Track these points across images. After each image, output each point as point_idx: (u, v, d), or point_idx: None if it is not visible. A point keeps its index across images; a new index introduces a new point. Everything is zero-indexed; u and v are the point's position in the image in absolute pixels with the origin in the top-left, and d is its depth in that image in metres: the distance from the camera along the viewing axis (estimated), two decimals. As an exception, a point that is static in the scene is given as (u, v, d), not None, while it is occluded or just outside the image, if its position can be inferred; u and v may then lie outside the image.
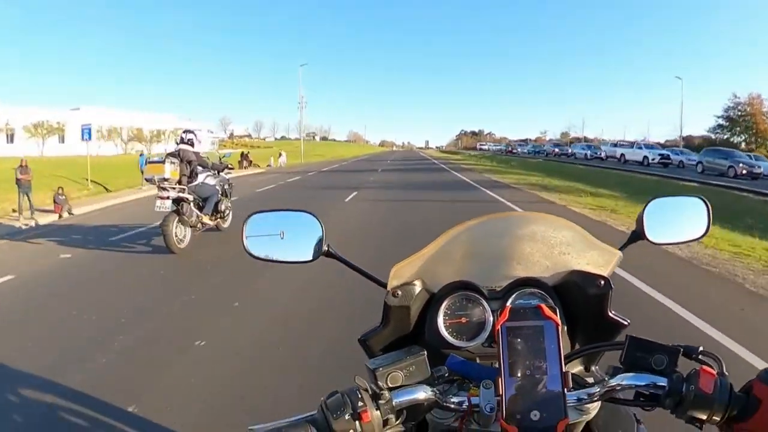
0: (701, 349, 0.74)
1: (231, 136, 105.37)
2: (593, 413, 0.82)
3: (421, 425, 0.88)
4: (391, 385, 0.73)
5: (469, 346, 0.93)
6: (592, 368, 0.97)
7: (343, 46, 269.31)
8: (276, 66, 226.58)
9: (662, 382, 0.72)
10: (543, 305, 0.75)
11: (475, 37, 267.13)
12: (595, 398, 0.75)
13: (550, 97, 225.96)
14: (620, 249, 1.00)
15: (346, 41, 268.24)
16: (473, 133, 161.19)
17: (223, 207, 7.63)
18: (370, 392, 0.71)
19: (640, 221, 1.06)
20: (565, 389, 0.70)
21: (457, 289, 0.96)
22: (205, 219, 7.14)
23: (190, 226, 6.91)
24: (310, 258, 1.04)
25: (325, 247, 1.03)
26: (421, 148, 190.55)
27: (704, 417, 0.69)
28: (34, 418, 2.78)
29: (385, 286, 0.96)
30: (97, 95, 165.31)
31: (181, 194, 6.70)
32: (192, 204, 6.89)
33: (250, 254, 1.07)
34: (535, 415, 0.69)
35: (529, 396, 0.70)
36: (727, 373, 0.70)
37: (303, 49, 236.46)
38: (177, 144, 7.14)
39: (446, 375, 0.79)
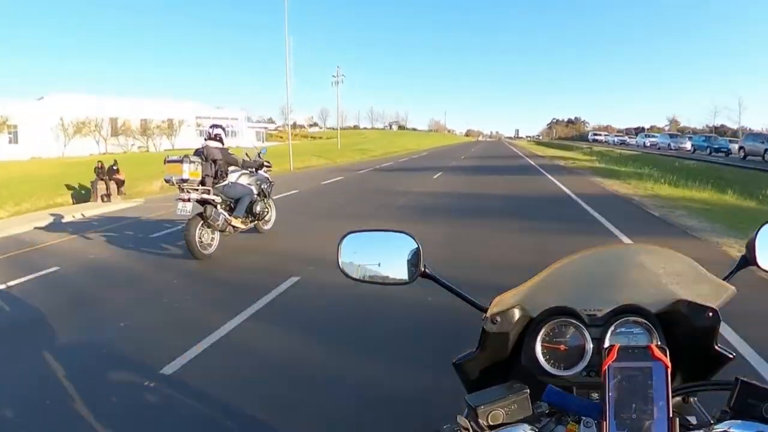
0: None
1: (293, 125, 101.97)
2: None
3: None
4: (491, 423, 0.73)
5: (567, 374, 0.91)
6: (691, 400, 0.91)
7: (421, 26, 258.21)
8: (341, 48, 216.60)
9: None
10: (653, 346, 0.73)
11: (568, 17, 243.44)
12: None
13: (648, 82, 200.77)
14: (726, 278, 0.97)
15: (424, 21, 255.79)
16: (569, 122, 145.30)
17: (259, 209, 6.99)
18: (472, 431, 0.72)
19: (751, 246, 0.99)
20: None
21: (557, 314, 0.94)
22: (236, 222, 6.53)
23: (219, 231, 6.35)
24: (408, 279, 1.03)
25: (422, 268, 1.02)
26: (510, 138, 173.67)
27: None
28: None
29: (484, 310, 0.96)
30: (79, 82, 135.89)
31: (205, 196, 6.14)
32: (220, 206, 6.32)
33: (346, 274, 1.08)
34: None
35: None
36: None
37: (371, 29, 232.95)
38: (204, 140, 6.61)
39: (547, 410, 0.78)
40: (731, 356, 0.91)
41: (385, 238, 1.08)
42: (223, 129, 6.70)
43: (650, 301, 0.94)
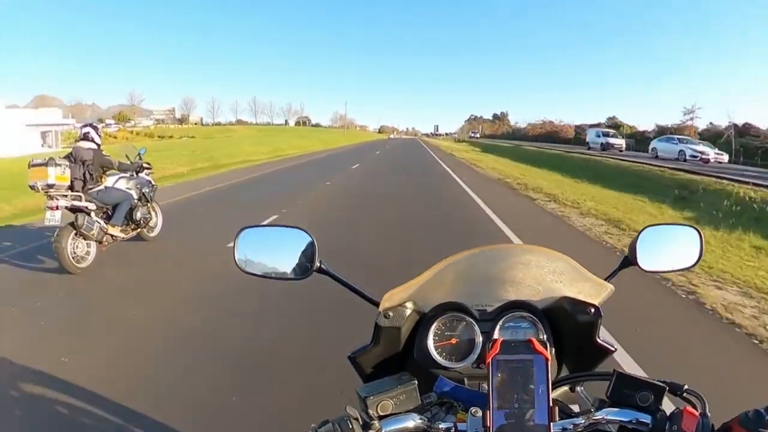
0: (686, 387, 0.77)
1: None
2: None
3: None
4: (381, 414, 0.75)
5: (458, 367, 0.96)
6: (578, 389, 0.98)
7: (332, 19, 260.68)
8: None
9: (646, 419, 0.75)
10: (534, 339, 0.77)
11: (488, 14, 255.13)
12: (580, 429, 0.77)
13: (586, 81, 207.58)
14: (609, 278, 1.04)
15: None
16: (495, 117, 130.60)
17: (140, 215, 6.43)
18: (361, 422, 0.73)
19: (633, 248, 1.08)
20: (551, 422, 0.72)
21: (448, 309, 0.98)
22: (114, 231, 5.94)
23: (96, 241, 5.72)
24: (302, 275, 1.04)
25: (317, 264, 1.04)
26: (428, 135, 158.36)
27: None
28: None
29: (377, 304, 0.97)
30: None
31: (75, 202, 5.51)
32: (95, 213, 5.71)
33: (242, 269, 1.07)
34: None
35: (516, 427, 0.72)
36: (709, 414, 0.73)
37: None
38: (75, 141, 5.92)
39: (435, 400, 0.82)
40: (612, 349, 0.98)
41: (280, 234, 1.09)
42: (96, 128, 6.06)
43: (537, 298, 1.01)
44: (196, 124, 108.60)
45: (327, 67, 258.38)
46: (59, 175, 5.32)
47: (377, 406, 0.75)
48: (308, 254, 1.04)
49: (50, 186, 5.29)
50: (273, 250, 1.08)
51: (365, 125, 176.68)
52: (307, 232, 1.05)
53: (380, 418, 0.74)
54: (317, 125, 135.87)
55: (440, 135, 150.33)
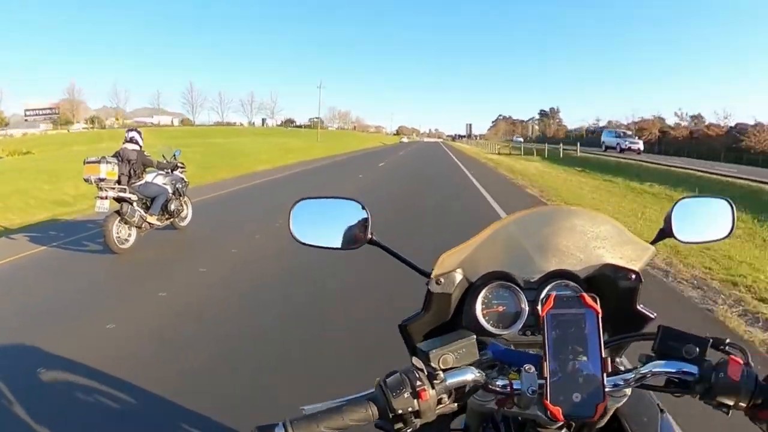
0: (728, 341, 0.78)
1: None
2: (624, 399, 0.84)
3: (459, 408, 0.88)
4: (443, 367, 0.76)
5: (505, 333, 0.97)
6: (617, 359, 0.98)
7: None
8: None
9: (693, 369, 0.76)
10: (585, 294, 0.79)
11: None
12: (631, 383, 0.79)
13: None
14: (653, 243, 1.04)
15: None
16: (543, 115, 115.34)
17: (173, 207, 7.51)
18: (426, 372, 0.74)
19: (668, 220, 1.08)
20: (604, 374, 0.74)
21: (495, 279, 0.99)
22: (151, 219, 7.03)
23: (136, 227, 6.82)
24: (355, 245, 1.06)
25: (369, 235, 1.05)
26: (453, 138, 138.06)
27: (731, 403, 0.73)
28: None
29: (427, 274, 0.99)
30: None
31: (121, 194, 6.61)
32: (136, 204, 6.79)
33: (297, 240, 1.09)
34: (576, 396, 0.73)
35: (571, 379, 0.74)
36: (752, 364, 0.75)
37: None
38: (123, 143, 7.06)
39: (489, 360, 0.83)
40: (653, 316, 0.97)
41: (335, 206, 1.10)
42: (139, 133, 7.18)
43: (579, 266, 1.01)
44: (89, 125, 74.43)
45: (330, 62, 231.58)
46: (109, 171, 6.44)
47: (439, 359, 0.76)
48: (361, 225, 1.06)
49: (101, 180, 6.41)
50: (327, 221, 1.09)
51: (380, 126, 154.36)
52: (361, 204, 1.06)
53: (443, 371, 0.76)
54: (302, 126, 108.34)
55: (467, 137, 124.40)
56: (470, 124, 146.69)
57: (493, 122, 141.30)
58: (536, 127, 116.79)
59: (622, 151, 34.81)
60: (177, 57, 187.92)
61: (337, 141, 57.77)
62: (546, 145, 43.68)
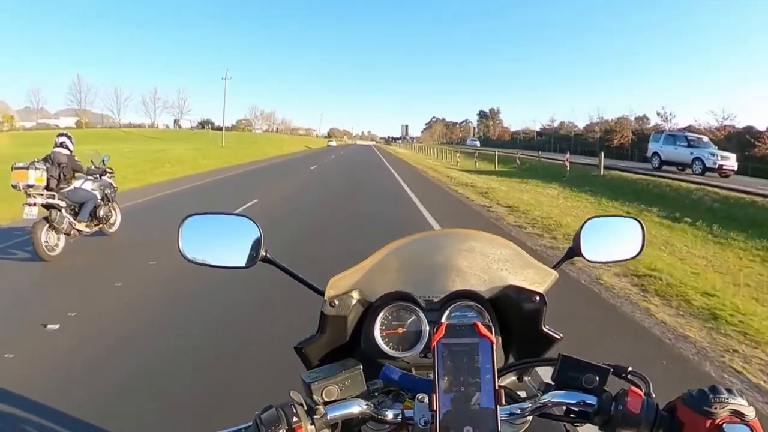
0: (630, 369, 0.77)
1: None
2: (525, 427, 0.85)
3: None
4: (326, 399, 0.74)
5: (405, 356, 0.95)
6: (525, 379, 0.99)
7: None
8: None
9: (592, 400, 0.75)
10: (479, 323, 0.77)
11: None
12: (527, 413, 0.78)
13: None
14: (555, 267, 1.04)
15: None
16: (483, 116, 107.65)
17: (102, 213, 7.43)
18: (305, 407, 0.71)
19: (577, 239, 1.07)
20: (498, 405, 0.72)
21: (394, 299, 0.97)
22: (80, 225, 6.94)
23: (65, 233, 6.71)
24: (246, 264, 1.03)
25: (263, 252, 1.02)
26: (387, 141, 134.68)
27: None
28: None
29: (322, 294, 0.96)
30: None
31: (50, 200, 6.50)
32: (64, 210, 6.69)
33: (185, 257, 1.04)
34: (468, 430, 0.70)
35: (462, 411, 0.71)
36: (653, 394, 0.74)
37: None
38: (53, 147, 6.92)
39: (381, 387, 0.80)
40: (558, 336, 0.96)
41: (226, 222, 1.06)
42: (70, 137, 7.07)
43: (483, 287, 0.99)
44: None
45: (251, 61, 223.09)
46: (38, 177, 6.33)
47: (322, 391, 0.73)
48: (255, 243, 1.02)
49: (30, 186, 6.28)
50: (219, 239, 1.05)
51: (311, 128, 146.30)
52: (253, 221, 1.03)
53: (325, 403, 0.73)
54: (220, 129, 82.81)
55: (401, 140, 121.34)
56: (406, 125, 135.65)
57: (426, 124, 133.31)
58: (475, 128, 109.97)
59: (704, 172, 19.04)
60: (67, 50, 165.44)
61: (250, 146, 49.06)
62: (496, 151, 34.74)
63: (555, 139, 62.88)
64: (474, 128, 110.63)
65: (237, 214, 1.05)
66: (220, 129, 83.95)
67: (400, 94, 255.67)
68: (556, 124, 72.70)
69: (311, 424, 0.70)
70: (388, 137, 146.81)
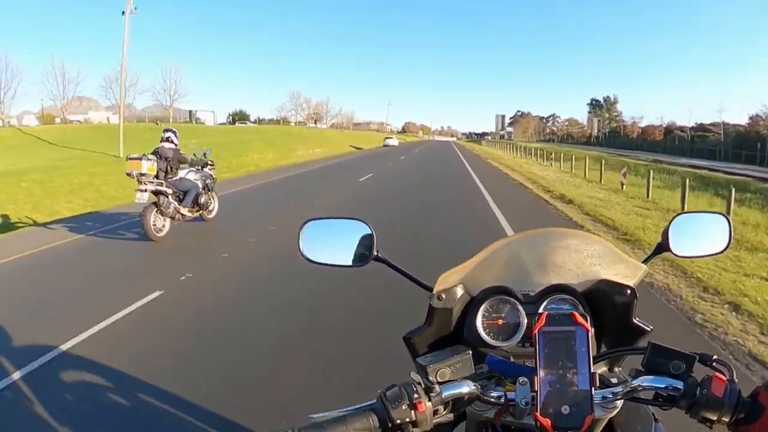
0: (715, 357, 0.81)
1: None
2: (616, 411, 0.89)
3: (460, 416, 0.94)
4: (440, 380, 0.81)
5: (504, 345, 1.00)
6: (616, 369, 1.03)
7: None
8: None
9: (679, 385, 0.80)
10: (575, 312, 0.84)
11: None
12: (619, 397, 0.83)
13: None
14: (644, 262, 1.09)
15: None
16: (596, 105, 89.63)
17: (203, 200, 8.30)
18: (423, 386, 0.79)
19: (665, 234, 1.12)
20: (593, 388, 0.78)
21: (495, 293, 1.03)
22: (184, 210, 7.84)
23: (170, 217, 7.61)
24: (361, 263, 1.12)
25: (375, 252, 1.11)
26: (468, 136, 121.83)
27: (714, 418, 0.77)
28: None
29: (430, 289, 1.04)
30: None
31: (159, 188, 7.40)
32: (170, 197, 7.59)
33: (306, 258, 1.14)
34: (565, 409, 0.77)
35: (560, 393, 0.78)
36: (736, 381, 0.79)
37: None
38: (160, 141, 7.88)
39: (486, 372, 0.88)
40: (649, 329, 1.01)
41: (342, 225, 1.15)
42: (175, 132, 8.00)
43: (576, 281, 1.05)
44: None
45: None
46: (150, 167, 7.26)
47: (437, 373, 0.80)
48: (367, 243, 1.11)
49: (142, 174, 7.22)
50: (335, 240, 1.14)
51: (385, 123, 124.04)
52: (366, 223, 1.12)
53: (439, 384, 0.80)
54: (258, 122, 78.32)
55: (490, 136, 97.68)
56: (502, 116, 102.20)
57: (511, 118, 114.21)
58: (593, 123, 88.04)
59: None
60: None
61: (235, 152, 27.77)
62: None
63: (737, 141, 44.54)
64: (593, 121, 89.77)
65: (351, 218, 1.15)
66: (255, 122, 74.25)
67: (476, 88, 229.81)
68: (724, 119, 50.66)
69: (429, 401, 0.78)
70: (469, 133, 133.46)
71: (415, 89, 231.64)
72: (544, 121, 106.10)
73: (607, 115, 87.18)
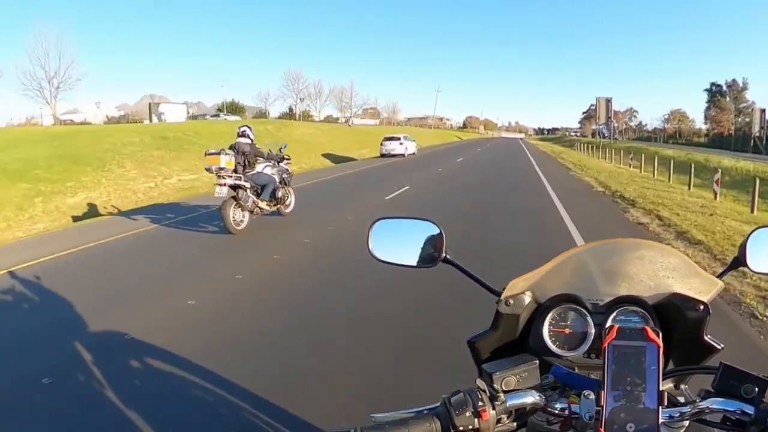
0: None
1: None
2: (681, 431, 0.88)
3: (520, 425, 0.93)
4: (505, 389, 0.80)
5: (570, 355, 0.99)
6: (682, 386, 1.01)
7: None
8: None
9: (749, 409, 0.76)
10: (647, 327, 0.80)
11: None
12: (686, 417, 0.80)
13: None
14: (720, 276, 1.05)
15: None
16: (717, 91, 69.24)
17: (280, 194, 8.38)
18: (489, 394, 0.78)
19: (742, 248, 1.05)
20: (660, 407, 0.75)
21: (563, 301, 1.01)
22: (262, 204, 7.96)
23: (249, 211, 7.76)
24: (429, 264, 1.11)
25: (444, 254, 1.09)
26: (538, 132, 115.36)
27: None
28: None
29: (498, 294, 1.03)
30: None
31: (237, 182, 7.57)
32: (249, 191, 7.72)
33: (374, 257, 1.15)
34: (630, 427, 0.74)
35: (627, 409, 0.75)
36: None
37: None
38: (237, 137, 8.08)
39: (551, 383, 0.85)
40: (719, 347, 0.96)
41: (411, 225, 1.14)
42: (250, 128, 8.17)
43: (648, 293, 1.01)
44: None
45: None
46: (228, 161, 7.43)
47: (502, 381, 0.80)
48: (435, 245, 1.09)
49: (221, 169, 7.41)
50: (403, 240, 1.13)
51: (446, 118, 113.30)
52: (435, 224, 1.10)
53: (504, 392, 0.79)
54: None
55: (599, 134, 69.56)
56: (608, 99, 65.13)
57: (584, 113, 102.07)
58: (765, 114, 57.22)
59: None
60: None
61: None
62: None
63: None
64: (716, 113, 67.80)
65: (421, 218, 1.13)
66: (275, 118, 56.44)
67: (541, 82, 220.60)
68: None
69: (493, 410, 0.76)
70: (538, 128, 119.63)
71: (484, 83, 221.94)
72: (622, 114, 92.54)
73: (733, 104, 66.44)
